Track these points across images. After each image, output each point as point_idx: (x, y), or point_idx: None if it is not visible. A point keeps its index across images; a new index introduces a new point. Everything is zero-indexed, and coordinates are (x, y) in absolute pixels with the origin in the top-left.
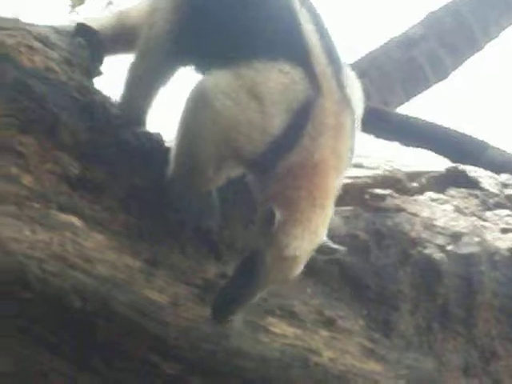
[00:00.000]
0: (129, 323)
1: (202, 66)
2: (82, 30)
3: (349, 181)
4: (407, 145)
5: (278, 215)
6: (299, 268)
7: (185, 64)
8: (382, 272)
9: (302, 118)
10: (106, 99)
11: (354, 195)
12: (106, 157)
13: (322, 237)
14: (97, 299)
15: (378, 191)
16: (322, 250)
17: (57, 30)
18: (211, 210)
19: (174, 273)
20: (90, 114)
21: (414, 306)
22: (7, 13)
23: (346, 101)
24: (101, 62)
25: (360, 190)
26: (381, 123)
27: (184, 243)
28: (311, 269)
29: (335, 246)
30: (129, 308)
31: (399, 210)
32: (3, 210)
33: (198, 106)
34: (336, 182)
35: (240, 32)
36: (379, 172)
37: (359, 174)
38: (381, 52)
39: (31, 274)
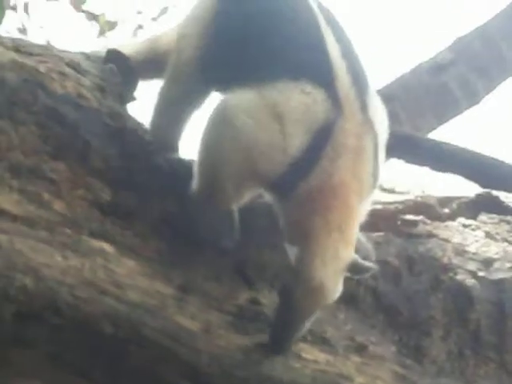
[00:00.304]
0: (160, 349)
1: (228, 89)
2: (113, 56)
3: (380, 206)
4: (438, 170)
5: (294, 250)
6: (333, 293)
7: (213, 88)
8: (413, 298)
9: (321, 139)
10: (138, 125)
11: (385, 221)
12: (137, 183)
13: (348, 258)
14: (128, 325)
15: (410, 217)
16: (353, 269)
17: (88, 57)
18: (230, 229)
19: (206, 299)
20: (122, 140)
21: (445, 332)
22: (39, 39)
23: (368, 123)
24: (134, 88)
25: (391, 216)
26: (411, 149)
27: (218, 271)
28: (343, 294)
29: (367, 264)
30: (160, 334)
31: (431, 235)
32: (35, 235)
33: (219, 124)
34: (358, 205)
35: (265, 53)
36: (411, 198)
37: (390, 200)
38: (411, 77)
39: (62, 300)
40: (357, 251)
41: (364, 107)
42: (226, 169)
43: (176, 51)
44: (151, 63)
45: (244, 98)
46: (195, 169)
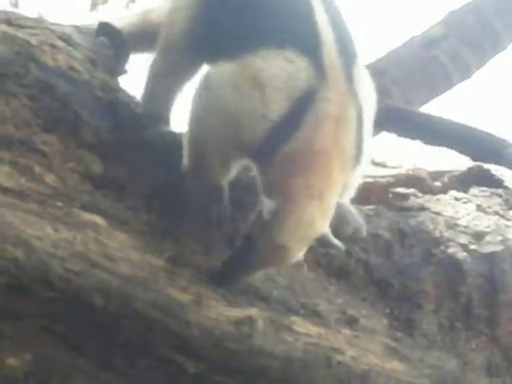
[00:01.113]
0: (151, 322)
1: (217, 61)
2: (104, 28)
3: (371, 180)
4: (430, 144)
5: (270, 204)
6: (293, 257)
7: (204, 61)
8: (405, 271)
9: (302, 106)
10: (129, 98)
11: (377, 194)
12: (129, 156)
13: (321, 230)
14: (119, 298)
15: (401, 190)
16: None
17: (80, 30)
18: (218, 203)
19: (196, 272)
20: (114, 113)
21: (437, 305)
22: (30, 12)
23: (353, 94)
24: (125, 61)
25: (383, 189)
26: (403, 122)
27: (208, 243)
28: (334, 268)
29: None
30: (151, 307)
31: (422, 209)
32: (26, 207)
33: (202, 96)
34: (340, 176)
35: (252, 22)
36: (402, 171)
37: (382, 174)
38: (403, 51)
39: (53, 273)
40: (348, 224)
41: (349, 78)
42: (210, 139)
43: (167, 24)
44: (143, 36)
45: (226, 68)
46: (184, 142)
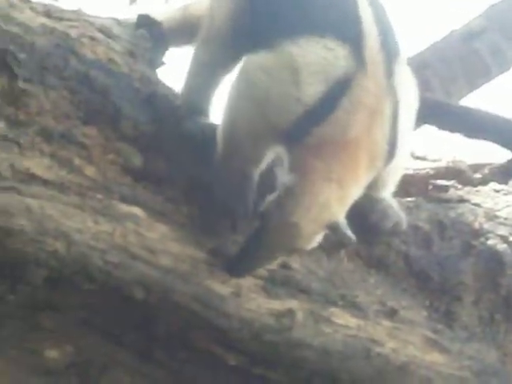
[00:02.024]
0: (191, 314)
1: (257, 52)
2: (144, 21)
3: (411, 172)
4: (470, 136)
5: (286, 178)
6: (305, 240)
7: (245, 53)
8: (444, 263)
9: (338, 92)
10: (168, 90)
11: (417, 186)
12: (168, 148)
13: (335, 215)
14: (159, 290)
15: (441, 182)
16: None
17: (119, 22)
18: (244, 193)
19: None
20: (153, 105)
21: (476, 297)
22: (70, 6)
23: (391, 89)
24: (164, 53)
25: (423, 181)
26: (444, 115)
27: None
28: (374, 259)
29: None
30: (191, 299)
31: (462, 200)
32: (66, 200)
33: (236, 82)
34: (367, 168)
35: (294, 13)
36: (442, 163)
37: (422, 166)
38: (443, 44)
39: (93, 265)
40: (388, 218)
41: (389, 73)
42: (243, 124)
43: (209, 15)
44: (183, 30)
45: (262, 55)
46: (218, 131)
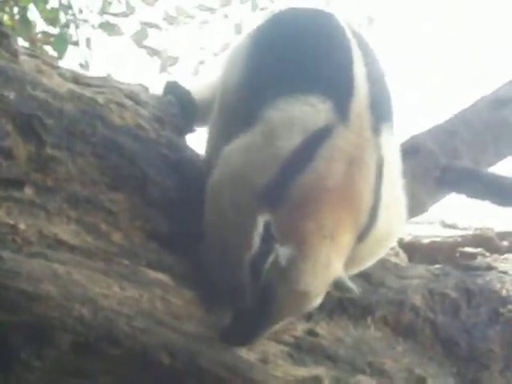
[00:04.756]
0: (218, 380)
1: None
2: (172, 87)
3: (439, 239)
4: (498, 204)
5: (286, 251)
6: (311, 304)
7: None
8: (472, 330)
9: (317, 141)
10: (196, 156)
11: (444, 253)
12: (195, 214)
13: (338, 270)
14: (185, 356)
15: (469, 250)
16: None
17: (147, 88)
18: (237, 279)
19: None
20: (180, 171)
21: (504, 365)
22: (100, 74)
23: (377, 146)
24: (193, 119)
25: (450, 249)
26: (472, 183)
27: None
28: (401, 327)
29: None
30: (218, 365)
31: (489, 268)
32: (93, 265)
33: (216, 172)
34: (352, 215)
35: (279, 76)
36: (470, 231)
37: (451, 234)
38: (471, 111)
39: (119, 330)
40: None
41: (376, 131)
42: (225, 200)
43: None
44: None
45: (239, 138)
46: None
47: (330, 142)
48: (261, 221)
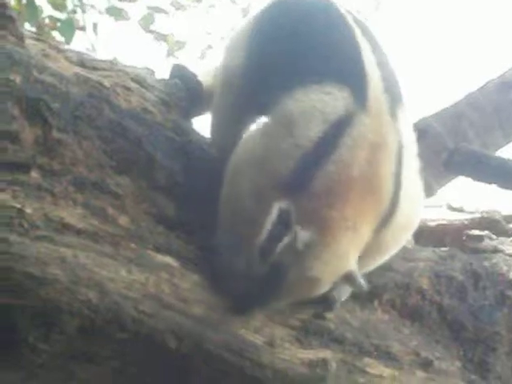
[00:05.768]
0: (224, 364)
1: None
2: (178, 70)
3: (446, 222)
4: (506, 187)
5: (305, 236)
6: (321, 290)
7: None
8: (478, 313)
9: (339, 130)
10: (203, 139)
11: (451, 236)
12: (201, 198)
13: (350, 263)
14: (192, 340)
15: (475, 232)
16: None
17: (153, 72)
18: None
19: (270, 313)
20: (187, 155)
21: (510, 348)
22: (106, 56)
23: (395, 129)
24: (200, 103)
25: (457, 231)
26: (480, 166)
27: None
28: (408, 310)
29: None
30: (224, 348)
31: (496, 251)
32: (99, 249)
33: (236, 153)
34: (374, 204)
35: (291, 66)
36: (477, 214)
37: (457, 216)
38: (479, 94)
39: (126, 314)
40: None
41: (393, 116)
42: (243, 186)
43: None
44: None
45: (258, 124)
46: (220, 202)
47: (352, 129)
48: (276, 206)
